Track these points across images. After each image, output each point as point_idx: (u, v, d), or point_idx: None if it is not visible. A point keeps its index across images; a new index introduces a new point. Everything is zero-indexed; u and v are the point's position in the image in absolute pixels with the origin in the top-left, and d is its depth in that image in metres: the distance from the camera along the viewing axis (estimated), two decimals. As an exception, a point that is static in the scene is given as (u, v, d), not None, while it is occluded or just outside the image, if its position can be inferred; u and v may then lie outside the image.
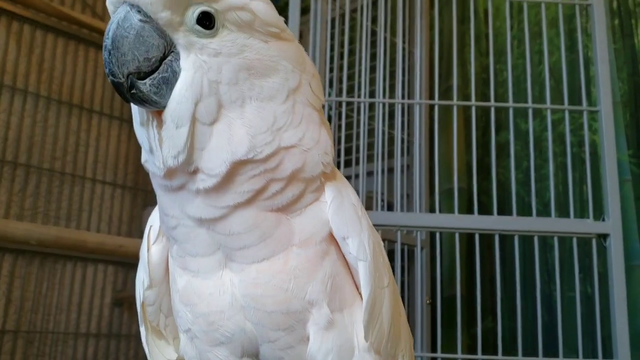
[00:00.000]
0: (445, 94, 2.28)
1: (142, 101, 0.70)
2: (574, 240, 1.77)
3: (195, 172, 0.71)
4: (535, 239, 1.75)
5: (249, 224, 0.73)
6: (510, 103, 1.83)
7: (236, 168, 0.71)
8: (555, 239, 1.77)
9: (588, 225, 1.76)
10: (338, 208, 0.77)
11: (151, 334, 0.88)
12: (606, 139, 1.79)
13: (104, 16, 2.90)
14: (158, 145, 0.71)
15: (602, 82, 1.82)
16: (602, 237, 1.76)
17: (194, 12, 0.70)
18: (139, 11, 0.68)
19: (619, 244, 1.72)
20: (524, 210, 2.25)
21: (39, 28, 2.76)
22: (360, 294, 0.77)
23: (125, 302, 2.79)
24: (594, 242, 1.76)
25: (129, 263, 2.73)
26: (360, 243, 0.76)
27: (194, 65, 0.70)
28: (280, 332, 0.74)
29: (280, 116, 0.74)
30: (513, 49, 2.46)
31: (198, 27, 0.70)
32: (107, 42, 0.69)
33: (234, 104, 0.71)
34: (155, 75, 0.70)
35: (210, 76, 0.70)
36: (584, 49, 2.02)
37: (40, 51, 2.76)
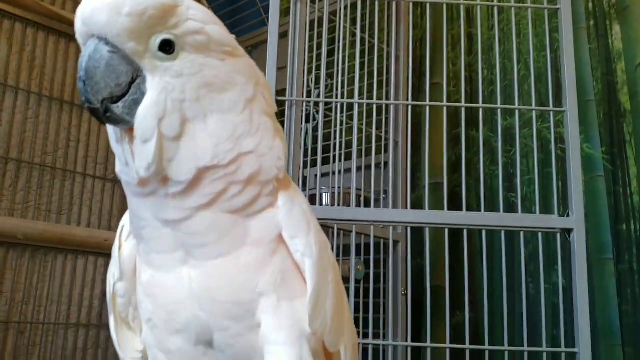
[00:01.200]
0: (425, 92, 2.35)
1: (116, 122, 0.78)
2: (539, 235, 1.85)
3: (165, 180, 0.79)
4: (502, 234, 1.84)
5: (208, 224, 0.81)
6: (480, 104, 1.91)
7: (201, 174, 0.80)
8: (522, 234, 1.85)
9: (553, 221, 1.84)
10: (289, 212, 0.85)
11: (121, 325, 0.97)
12: (571, 139, 1.86)
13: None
14: (131, 159, 0.79)
15: (568, 84, 1.89)
16: (567, 232, 1.83)
17: (156, 40, 0.77)
18: (107, 43, 0.76)
19: (582, 239, 1.80)
20: (506, 207, 2.34)
21: (30, 26, 2.82)
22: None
23: (114, 293, 2.87)
24: (558, 236, 1.84)
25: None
26: (307, 242, 0.84)
27: (159, 86, 0.78)
28: (231, 321, 0.82)
29: (240, 125, 0.82)
30: (493, 48, 2.53)
31: (160, 54, 0.78)
32: (81, 73, 0.76)
33: (197, 118, 0.80)
34: (126, 98, 0.78)
35: (174, 95, 0.78)
36: (557, 50, 2.09)
37: (32, 49, 2.82)
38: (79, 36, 0.79)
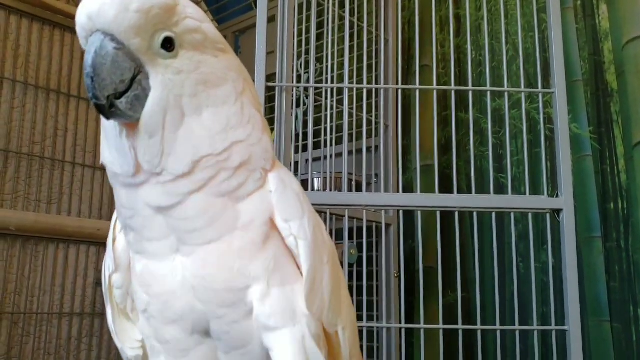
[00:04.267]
0: (414, 75, 2.35)
1: (120, 117, 0.80)
2: (529, 215, 1.87)
3: (161, 171, 0.81)
4: (493, 215, 1.86)
5: (200, 208, 0.82)
6: (470, 86, 1.91)
7: (196, 163, 0.82)
8: (512, 215, 1.86)
9: (543, 202, 1.86)
10: (281, 195, 0.87)
11: (119, 315, 0.97)
12: (560, 120, 1.87)
13: (79, 3, 2.93)
14: (129, 152, 0.80)
15: (556, 65, 1.90)
16: (556, 212, 1.85)
17: (159, 38, 0.80)
18: (113, 39, 0.77)
19: (571, 219, 1.82)
20: (496, 187, 2.35)
21: (13, 14, 2.78)
22: (302, 274, 0.86)
23: (107, 281, 2.88)
24: (548, 217, 1.86)
25: (110, 244, 2.81)
26: (301, 225, 0.86)
27: (162, 83, 0.80)
28: (226, 309, 0.83)
29: (232, 117, 0.85)
30: (481, 30, 2.53)
31: (162, 51, 0.80)
32: (88, 70, 0.77)
33: (193, 113, 0.82)
34: (129, 93, 0.79)
35: (175, 92, 0.81)
36: (545, 31, 2.10)
37: (16, 37, 2.79)
38: (80, 30, 0.79)
